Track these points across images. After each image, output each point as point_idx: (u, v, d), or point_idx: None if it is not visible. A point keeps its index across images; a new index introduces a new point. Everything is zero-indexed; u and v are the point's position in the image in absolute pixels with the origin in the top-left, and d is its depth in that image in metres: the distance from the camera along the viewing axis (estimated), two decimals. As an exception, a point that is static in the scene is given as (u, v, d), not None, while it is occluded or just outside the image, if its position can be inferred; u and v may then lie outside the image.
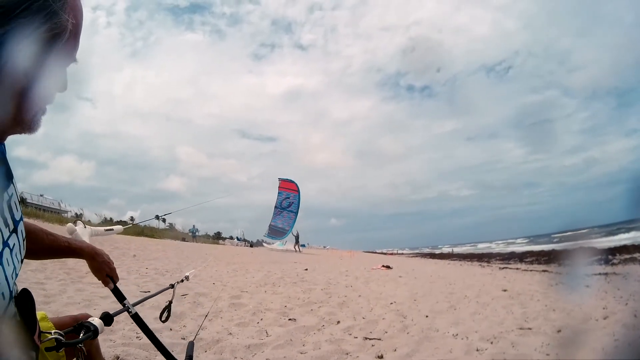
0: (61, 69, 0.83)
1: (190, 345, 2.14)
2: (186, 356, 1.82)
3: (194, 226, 33.40)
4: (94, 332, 1.22)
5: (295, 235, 30.51)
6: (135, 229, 26.28)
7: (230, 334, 3.41)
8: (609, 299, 5.47)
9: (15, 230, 0.90)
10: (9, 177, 0.88)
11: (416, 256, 36.32)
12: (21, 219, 0.95)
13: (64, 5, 0.75)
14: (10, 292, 0.82)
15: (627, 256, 12.35)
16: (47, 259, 1.38)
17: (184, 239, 29.06)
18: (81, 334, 1.18)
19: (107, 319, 1.29)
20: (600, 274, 8.88)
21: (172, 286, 1.89)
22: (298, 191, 32.06)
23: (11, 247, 0.85)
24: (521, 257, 20.26)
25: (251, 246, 36.55)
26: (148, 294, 1.81)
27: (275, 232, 30.69)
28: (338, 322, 4.08)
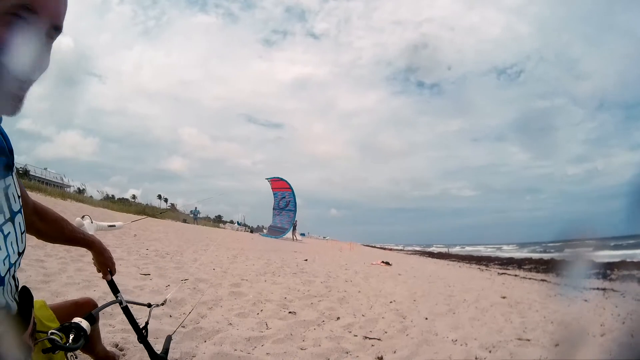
0: (35, 45, 0.71)
1: (168, 339, 2.21)
2: (163, 349, 1.96)
3: (195, 208, 33.43)
4: (84, 337, 1.21)
5: (293, 223, 30.54)
6: (136, 208, 26.41)
7: (231, 324, 3.41)
8: (607, 315, 5.47)
9: (11, 220, 0.88)
10: (8, 168, 0.87)
11: (414, 254, 36.35)
12: (19, 212, 0.93)
13: None
14: (1, 277, 0.80)
15: (626, 272, 12.32)
16: (61, 245, 1.52)
17: (184, 221, 29.17)
18: (70, 337, 1.17)
19: (91, 318, 1.29)
20: (598, 288, 8.88)
21: (149, 305, 1.96)
22: (291, 188, 31.96)
23: (5, 234, 0.84)
24: (520, 263, 20.31)
25: (251, 232, 36.68)
26: (136, 301, 1.88)
27: (275, 232, 30.64)
28: (338, 318, 4.08)
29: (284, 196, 32.10)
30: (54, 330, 1.18)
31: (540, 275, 14.13)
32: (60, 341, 1.17)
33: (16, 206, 0.92)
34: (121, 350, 2.47)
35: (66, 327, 1.21)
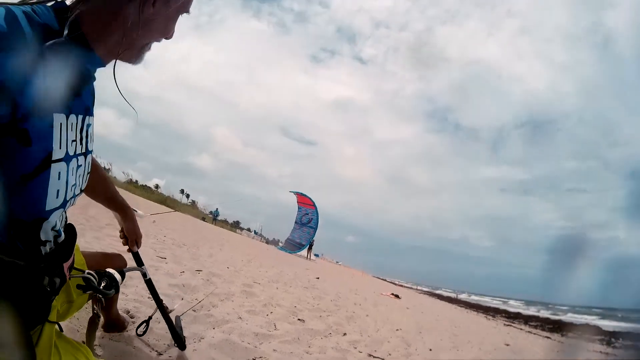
0: (175, 17, 0.93)
1: (178, 319, 2.27)
2: (176, 326, 2.15)
3: (216, 209, 33.84)
4: (115, 287, 1.25)
5: (310, 241, 30.38)
6: (158, 197, 26.92)
7: (240, 318, 3.39)
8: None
9: (85, 155, 0.92)
10: (90, 111, 0.92)
11: (423, 294, 35.63)
12: (91, 152, 0.98)
13: None
14: (65, 200, 0.84)
15: (630, 343, 11.88)
16: (98, 202, 1.57)
17: (203, 219, 29.52)
18: (102, 283, 1.20)
19: (122, 273, 1.32)
20: (601, 352, 8.60)
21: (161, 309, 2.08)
22: (315, 206, 31.86)
23: (79, 164, 0.88)
24: (526, 319, 19.96)
25: (267, 242, 36.73)
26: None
27: (292, 246, 30.51)
28: (344, 333, 4.00)
29: (307, 212, 32.02)
30: (90, 272, 1.21)
31: (545, 333, 13.76)
32: (94, 282, 1.20)
33: (91, 145, 0.97)
34: (132, 317, 2.50)
35: (100, 274, 1.24)
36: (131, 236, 1.79)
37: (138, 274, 1.99)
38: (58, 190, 0.78)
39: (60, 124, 0.75)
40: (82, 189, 0.96)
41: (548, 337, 11.89)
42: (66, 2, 0.78)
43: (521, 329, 13.95)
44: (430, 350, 4.39)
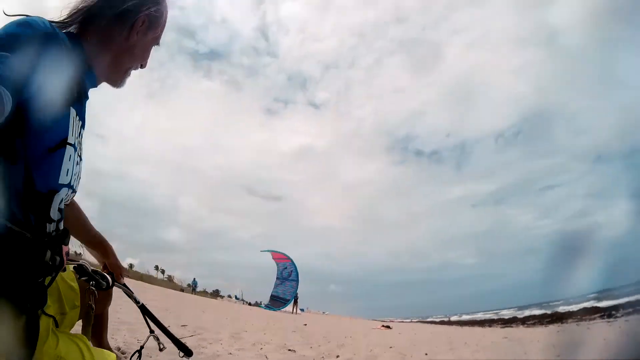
0: (150, 46, 1.20)
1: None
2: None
3: (194, 279, 32.93)
4: (107, 285, 1.40)
5: (294, 295, 29.71)
6: (134, 275, 25.96)
7: (231, 354, 3.44)
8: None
9: (80, 159, 1.10)
10: (84, 124, 1.09)
11: (416, 322, 35.35)
12: (82, 161, 1.13)
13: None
14: (70, 184, 0.99)
15: (631, 310, 11.95)
16: (78, 239, 1.61)
17: (182, 290, 28.51)
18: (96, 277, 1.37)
19: (112, 278, 1.48)
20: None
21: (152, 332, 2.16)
22: (290, 259, 31.81)
23: (78, 160, 1.05)
24: (523, 320, 19.97)
25: (250, 305, 35.55)
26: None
27: (276, 303, 29.89)
28: (337, 356, 4.06)
29: (285, 266, 31.63)
30: (85, 260, 1.40)
31: (542, 327, 13.84)
32: (88, 269, 1.38)
33: (83, 157, 1.16)
34: (123, 353, 2.56)
35: (94, 271, 1.42)
36: (116, 270, 1.82)
37: (128, 318, 2.05)
38: (68, 170, 0.95)
39: (73, 117, 0.97)
40: (76, 189, 1.09)
41: (546, 326, 11.96)
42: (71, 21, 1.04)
43: (519, 329, 14.04)
44: (426, 354, 4.48)
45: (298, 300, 29.95)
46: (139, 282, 20.92)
